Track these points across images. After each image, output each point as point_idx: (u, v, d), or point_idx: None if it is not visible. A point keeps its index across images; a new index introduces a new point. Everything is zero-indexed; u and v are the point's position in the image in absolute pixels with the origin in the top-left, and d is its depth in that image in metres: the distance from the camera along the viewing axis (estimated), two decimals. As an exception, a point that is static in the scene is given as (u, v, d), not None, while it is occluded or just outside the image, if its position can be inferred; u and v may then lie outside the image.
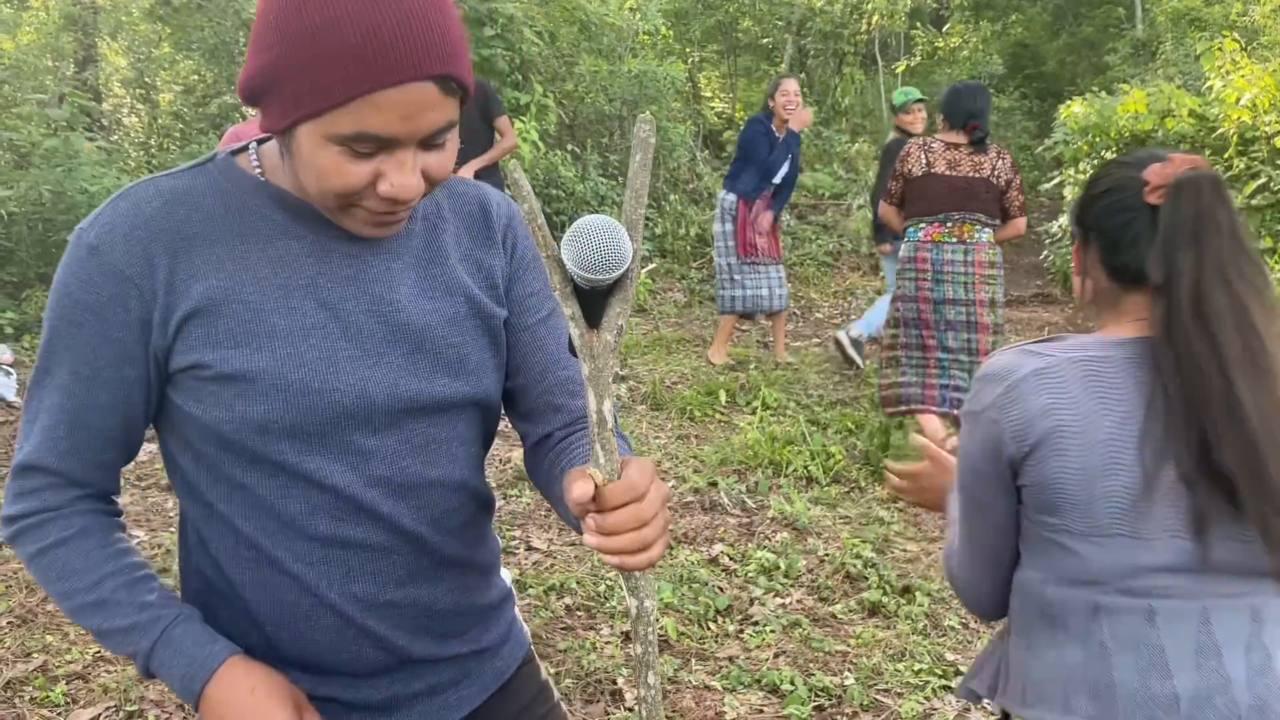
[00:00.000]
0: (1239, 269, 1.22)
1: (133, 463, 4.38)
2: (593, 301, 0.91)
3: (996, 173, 4.62)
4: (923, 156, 4.66)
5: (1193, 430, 1.19)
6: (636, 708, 1.00)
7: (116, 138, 10.31)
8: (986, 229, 4.64)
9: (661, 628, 3.20)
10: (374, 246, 1.12)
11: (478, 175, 6.01)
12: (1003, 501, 1.33)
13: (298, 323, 1.07)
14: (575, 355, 0.94)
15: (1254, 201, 7.28)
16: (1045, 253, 10.49)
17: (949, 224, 4.60)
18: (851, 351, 6.51)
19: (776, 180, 6.22)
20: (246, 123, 5.80)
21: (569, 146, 9.29)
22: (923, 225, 4.66)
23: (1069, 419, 1.24)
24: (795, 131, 6.18)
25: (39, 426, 1.09)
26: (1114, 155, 9.20)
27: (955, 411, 4.54)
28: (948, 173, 4.60)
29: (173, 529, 3.93)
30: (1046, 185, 11.67)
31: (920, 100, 6.67)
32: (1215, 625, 1.22)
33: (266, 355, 1.05)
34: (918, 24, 15.72)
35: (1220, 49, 8.48)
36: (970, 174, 4.60)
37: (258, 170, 1.11)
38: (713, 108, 15.16)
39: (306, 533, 1.11)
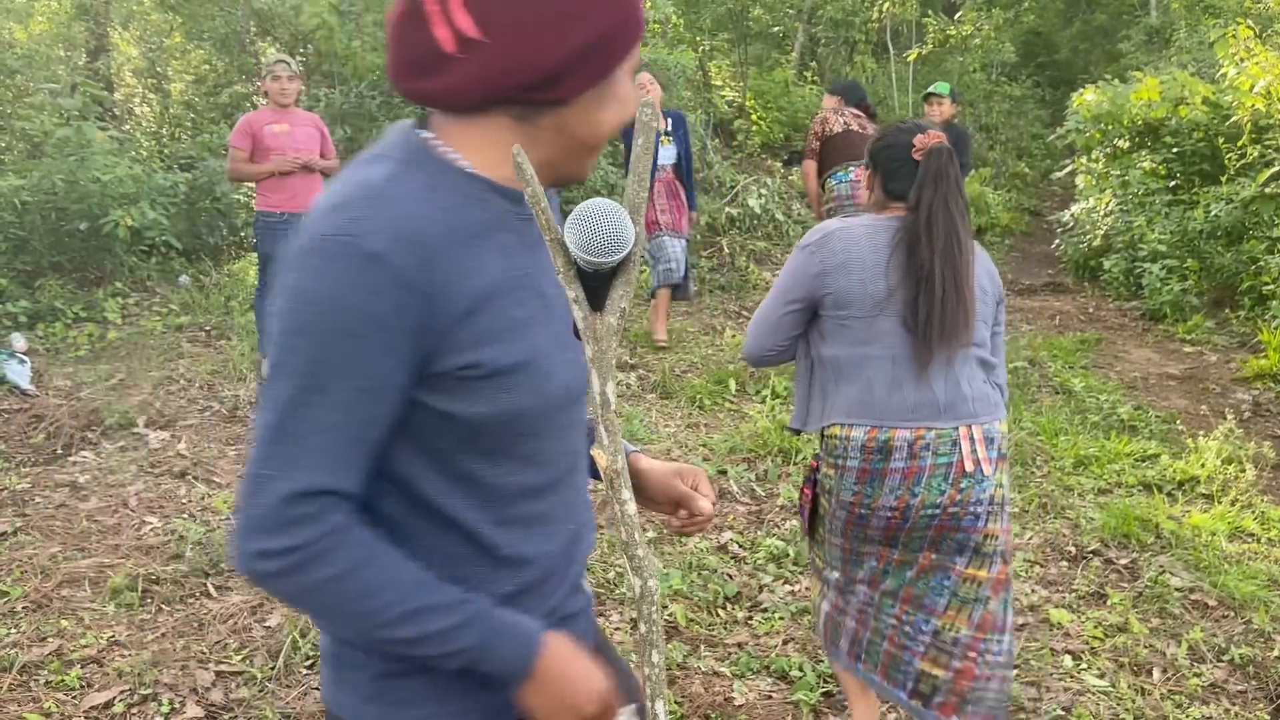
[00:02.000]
0: (955, 202, 2.21)
1: (145, 450, 4.41)
2: (596, 284, 0.92)
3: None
4: (840, 119, 5.86)
5: (911, 271, 2.18)
6: (643, 686, 1.00)
7: (128, 127, 10.35)
8: (852, 170, 5.85)
9: (670, 614, 3.22)
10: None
11: None
12: (802, 298, 2.28)
13: (529, 314, 1.07)
14: (579, 338, 0.95)
15: (1267, 190, 7.24)
16: (1057, 241, 10.45)
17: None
18: None
19: (660, 162, 6.49)
20: (258, 111, 5.83)
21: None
22: (851, 168, 5.63)
23: (853, 255, 2.23)
24: (675, 114, 6.64)
25: (315, 448, 1.00)
26: (1127, 143, 9.16)
27: None
28: (861, 130, 5.75)
29: (185, 515, 3.97)
30: (1059, 174, 11.62)
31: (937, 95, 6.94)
32: (914, 367, 2.19)
33: (520, 348, 1.05)
34: (929, 11, 15.63)
35: (1234, 36, 8.42)
36: (859, 131, 5.83)
37: (462, 163, 1.08)
38: (723, 96, 15.12)
39: (529, 510, 1.14)
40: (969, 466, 2.14)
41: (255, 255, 7.76)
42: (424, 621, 1.04)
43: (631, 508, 0.97)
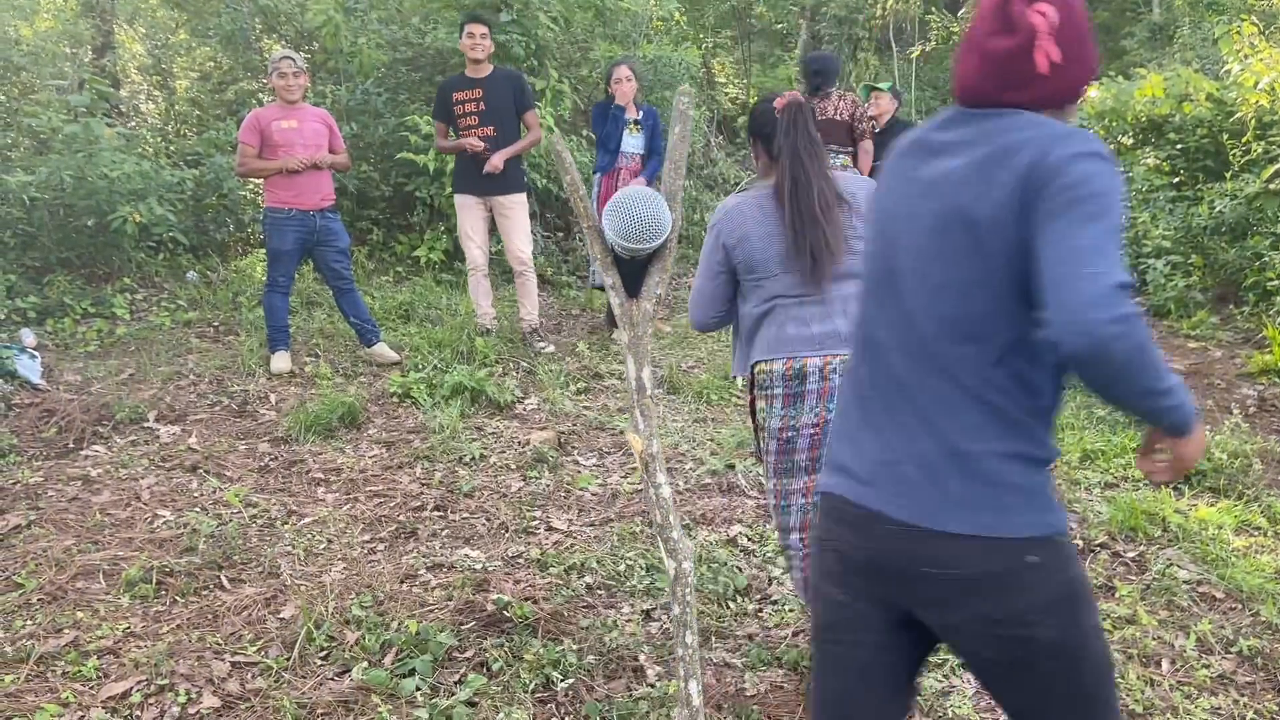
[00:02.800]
0: (809, 148, 2.62)
1: (156, 444, 4.43)
2: (632, 271, 0.94)
3: (839, 112, 6.75)
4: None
5: (793, 228, 2.56)
6: (676, 666, 1.02)
7: (134, 124, 10.37)
8: (840, 155, 6.68)
9: (681, 606, 3.23)
10: None
11: (505, 164, 6.14)
12: (722, 269, 2.63)
13: None
14: (615, 325, 0.97)
15: (1271, 186, 7.25)
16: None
17: None
18: None
19: (626, 150, 6.61)
20: (266, 107, 5.86)
21: (584, 132, 9.29)
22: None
23: (749, 228, 2.61)
24: (648, 108, 6.76)
25: (1119, 259, 1.42)
26: (1131, 140, 9.17)
27: None
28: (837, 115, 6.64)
29: (198, 509, 3.99)
30: (1062, 170, 11.61)
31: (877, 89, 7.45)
32: (823, 303, 2.60)
33: None
34: (932, 9, 15.62)
35: (1238, 33, 8.44)
36: (821, 117, 6.38)
37: None
38: (727, 93, 15.13)
39: None
40: None
41: (263, 251, 7.79)
42: (1177, 390, 1.43)
43: (666, 491, 0.99)
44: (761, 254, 2.60)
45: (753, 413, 2.76)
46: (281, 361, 5.82)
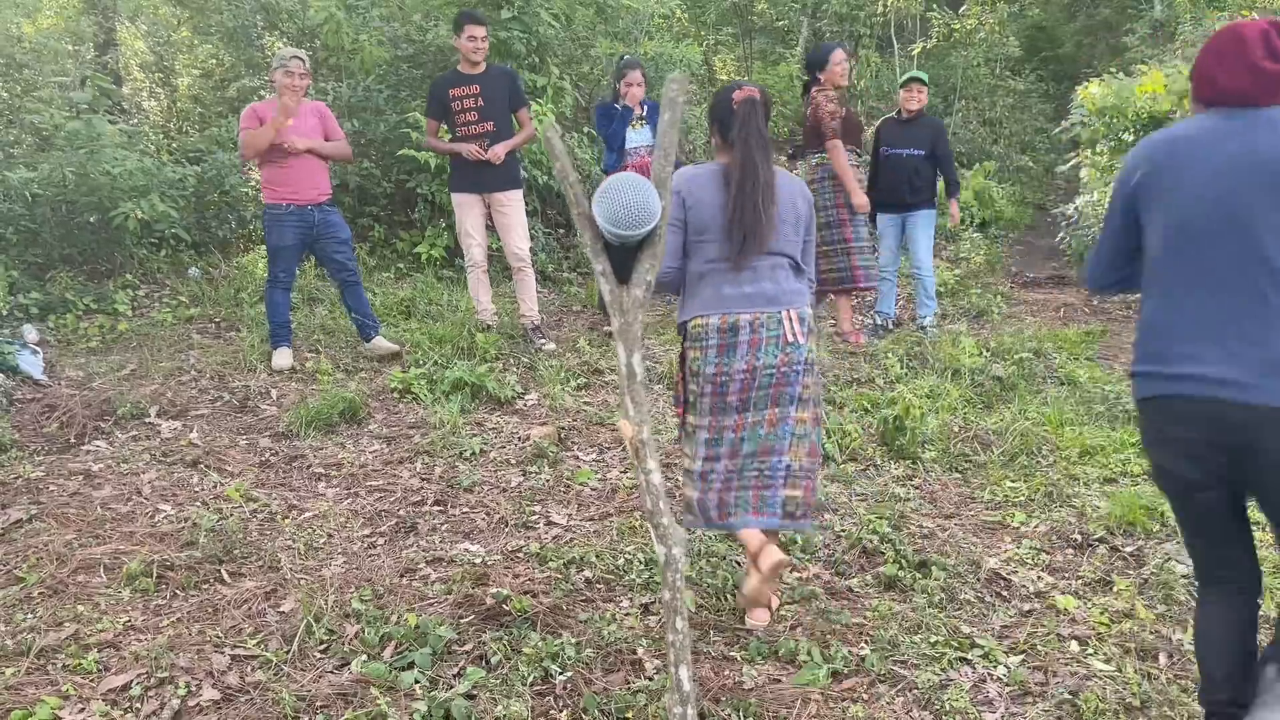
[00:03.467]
0: (757, 140, 3.00)
1: (158, 439, 4.44)
2: (623, 257, 0.95)
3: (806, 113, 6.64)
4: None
5: (734, 210, 2.97)
6: (668, 652, 1.03)
7: (136, 121, 10.38)
8: (814, 155, 6.62)
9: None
10: None
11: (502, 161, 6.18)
12: (679, 226, 3.01)
13: None
14: (605, 311, 0.98)
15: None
16: (1061, 234, 10.45)
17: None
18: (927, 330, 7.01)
19: (631, 146, 6.58)
20: (264, 101, 5.87)
21: (585, 129, 9.30)
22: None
23: (703, 194, 3.01)
24: (651, 102, 6.67)
25: None
26: (1132, 137, 9.16)
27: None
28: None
29: (198, 503, 4.00)
30: (1063, 168, 11.61)
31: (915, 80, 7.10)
32: (754, 269, 3.01)
33: None
34: (934, 6, 15.61)
35: (1240, 29, 8.40)
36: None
37: None
38: (728, 91, 15.12)
39: None
40: (790, 338, 3.02)
41: (264, 248, 7.80)
42: None
43: (656, 477, 1.00)
44: (711, 219, 3.01)
45: (682, 362, 3.14)
46: (283, 358, 5.83)
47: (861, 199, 6.57)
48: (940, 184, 7.16)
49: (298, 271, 6.24)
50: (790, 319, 3.02)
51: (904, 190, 6.83)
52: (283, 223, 5.68)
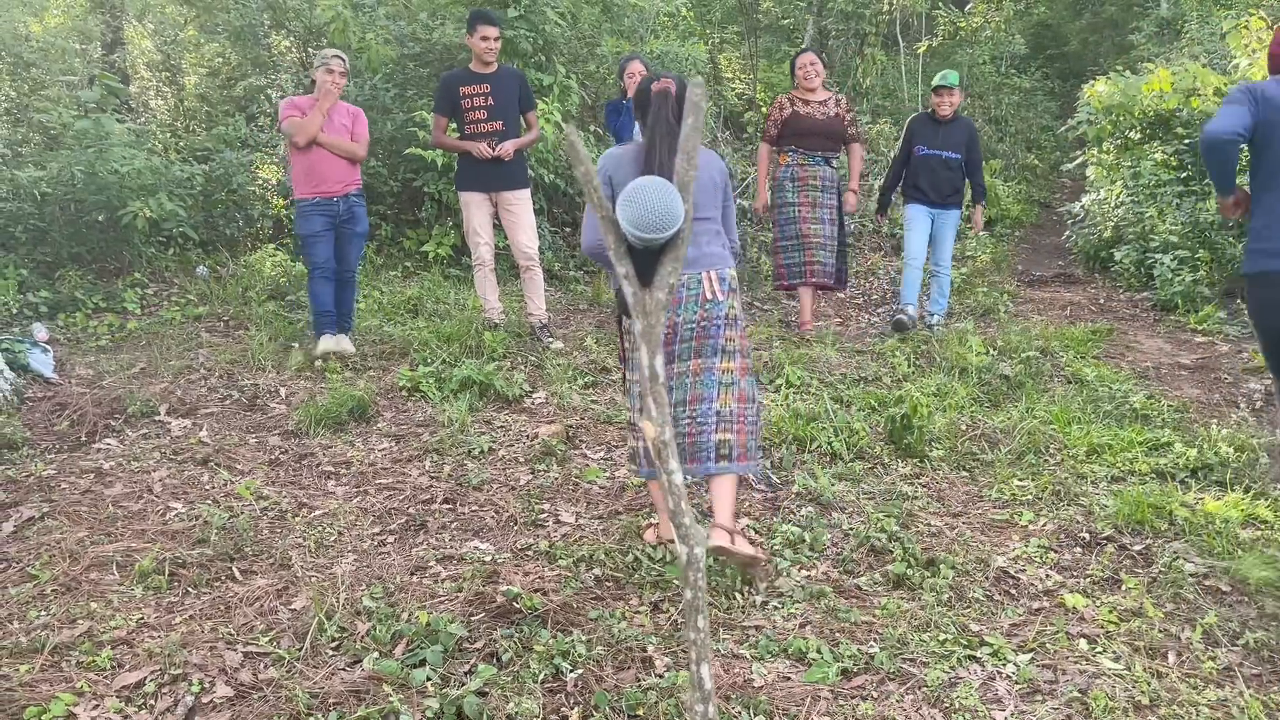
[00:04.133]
0: (664, 125, 3.29)
1: (168, 437, 4.46)
2: (646, 261, 0.96)
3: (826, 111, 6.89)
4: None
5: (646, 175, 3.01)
6: (689, 650, 1.04)
7: (144, 119, 10.40)
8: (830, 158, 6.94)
9: (689, 598, 3.25)
10: None
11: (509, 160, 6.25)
12: (607, 200, 3.48)
13: None
14: (628, 315, 0.99)
15: None
16: (1067, 233, 10.45)
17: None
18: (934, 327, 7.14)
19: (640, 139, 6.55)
20: (300, 96, 5.99)
21: (591, 128, 9.31)
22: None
23: (620, 172, 3.27)
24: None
25: None
26: (1138, 135, 9.15)
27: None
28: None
29: (209, 501, 4.02)
30: (1069, 165, 11.61)
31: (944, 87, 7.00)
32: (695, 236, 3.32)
33: None
34: (940, 4, 15.59)
35: (1246, 27, 8.42)
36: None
37: None
38: (733, 89, 15.12)
39: None
40: (709, 296, 3.40)
41: (271, 246, 7.80)
42: None
43: (679, 477, 1.01)
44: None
45: (618, 324, 3.52)
46: (329, 343, 5.98)
47: (763, 199, 7.00)
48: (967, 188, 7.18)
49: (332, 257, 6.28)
50: (709, 279, 3.41)
51: (944, 189, 6.91)
52: (309, 213, 5.90)
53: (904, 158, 7.09)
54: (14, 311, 6.62)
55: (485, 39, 6.16)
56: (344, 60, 5.92)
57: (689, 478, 3.36)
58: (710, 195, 3.47)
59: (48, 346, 5.79)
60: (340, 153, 5.91)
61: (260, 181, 8.65)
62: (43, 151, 7.77)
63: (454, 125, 6.41)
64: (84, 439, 4.70)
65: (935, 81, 7.01)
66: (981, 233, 8.55)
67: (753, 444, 3.43)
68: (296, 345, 6.07)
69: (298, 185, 5.91)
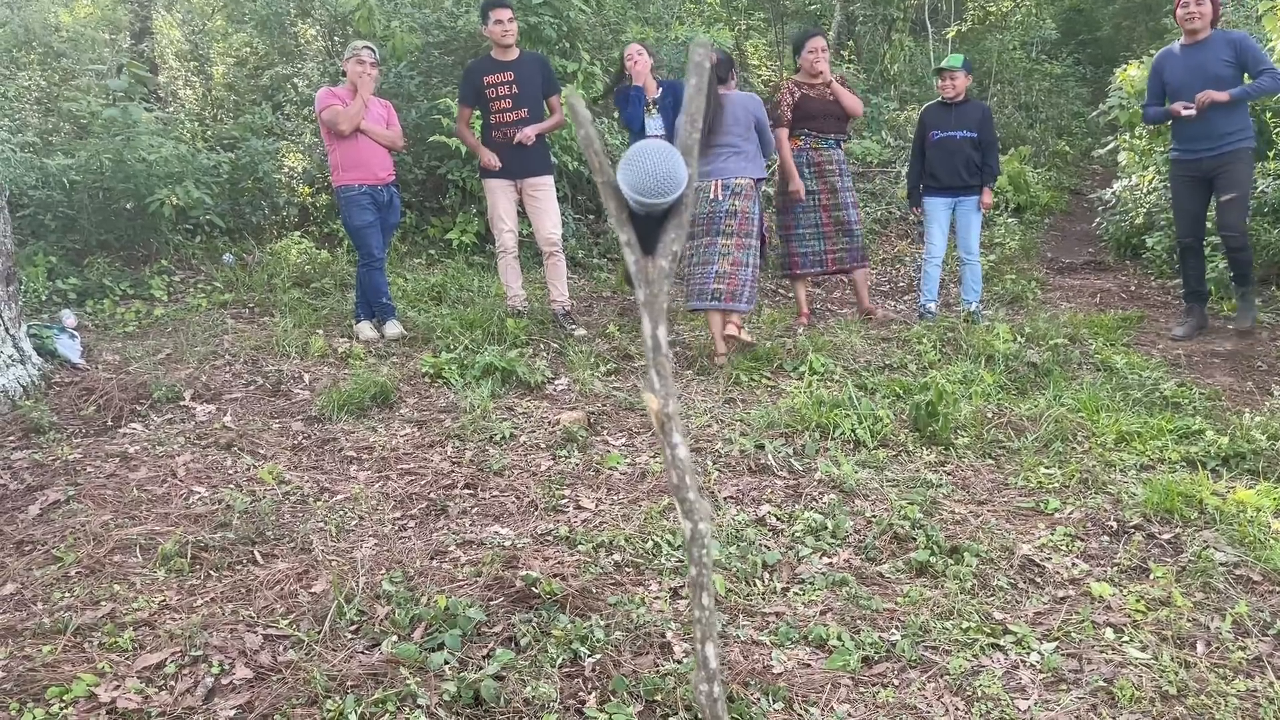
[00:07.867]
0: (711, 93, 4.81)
1: (192, 423, 4.49)
2: (648, 227, 0.93)
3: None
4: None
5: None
6: (693, 628, 1.02)
7: (172, 108, 10.47)
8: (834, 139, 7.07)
9: (709, 583, 3.23)
10: None
11: (533, 146, 6.28)
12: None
13: None
14: (630, 283, 0.97)
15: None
16: (1098, 219, 10.31)
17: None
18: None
19: (649, 132, 6.51)
20: (339, 88, 6.06)
21: (614, 114, 9.27)
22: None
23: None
24: (668, 82, 6.61)
25: None
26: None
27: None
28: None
29: (232, 485, 4.04)
30: (1099, 151, 11.45)
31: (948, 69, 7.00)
32: (711, 156, 5.66)
33: None
34: (969, -12, 15.43)
35: (1284, 9, 8.22)
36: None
37: None
38: (759, 75, 15.03)
39: None
40: (714, 197, 5.55)
41: (297, 234, 7.84)
42: None
43: (683, 451, 0.99)
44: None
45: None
46: (394, 328, 6.15)
47: (797, 184, 6.73)
48: None
49: (382, 250, 6.34)
50: (715, 186, 5.54)
51: (961, 171, 6.80)
52: (358, 202, 5.96)
53: (920, 148, 7.01)
54: (43, 298, 6.69)
55: (499, 22, 6.17)
56: (374, 51, 5.98)
57: (702, 306, 5.74)
58: (740, 125, 5.12)
59: (75, 332, 5.85)
60: (382, 141, 5.99)
61: (286, 170, 8.69)
62: (72, 140, 7.84)
63: (479, 114, 6.41)
64: (110, 424, 4.74)
65: (937, 65, 6.98)
66: (1002, 216, 8.45)
67: (740, 291, 5.70)
68: (368, 323, 6.20)
69: (342, 173, 5.98)
